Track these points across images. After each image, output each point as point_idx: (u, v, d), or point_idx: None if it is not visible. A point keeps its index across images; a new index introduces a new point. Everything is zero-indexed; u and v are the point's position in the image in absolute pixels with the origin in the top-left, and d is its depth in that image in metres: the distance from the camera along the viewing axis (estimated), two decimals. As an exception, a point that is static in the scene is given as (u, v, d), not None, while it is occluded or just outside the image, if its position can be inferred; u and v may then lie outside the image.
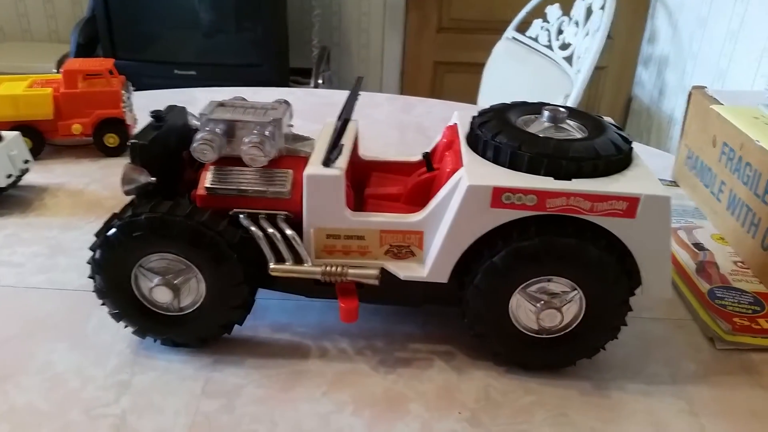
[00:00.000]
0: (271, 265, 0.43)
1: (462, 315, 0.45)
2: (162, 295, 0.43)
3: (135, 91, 0.80)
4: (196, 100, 0.91)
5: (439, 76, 2.34)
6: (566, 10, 1.42)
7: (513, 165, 0.41)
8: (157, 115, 0.45)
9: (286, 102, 0.47)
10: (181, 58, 1.94)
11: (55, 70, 1.87)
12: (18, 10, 2.24)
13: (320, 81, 2.03)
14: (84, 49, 1.94)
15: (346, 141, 0.46)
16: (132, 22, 1.91)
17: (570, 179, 0.40)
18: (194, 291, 0.44)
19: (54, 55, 2.01)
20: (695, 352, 0.48)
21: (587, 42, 1.28)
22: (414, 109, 0.97)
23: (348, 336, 0.48)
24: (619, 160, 0.42)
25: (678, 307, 0.53)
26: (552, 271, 0.42)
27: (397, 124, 0.90)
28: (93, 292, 0.44)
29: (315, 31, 2.16)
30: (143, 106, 0.57)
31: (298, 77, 2.08)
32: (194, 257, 0.43)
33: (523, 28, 1.52)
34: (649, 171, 0.42)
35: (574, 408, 0.43)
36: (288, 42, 2.04)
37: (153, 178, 0.43)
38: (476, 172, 0.41)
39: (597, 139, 0.42)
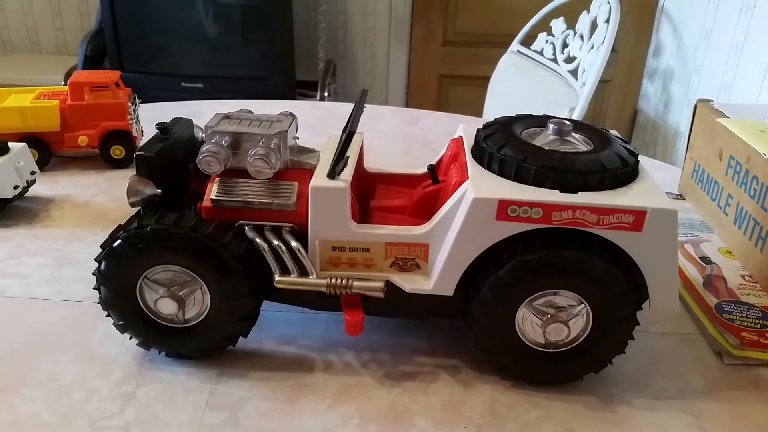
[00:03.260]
0: (276, 277, 0.43)
1: (468, 328, 0.44)
2: (167, 307, 0.43)
3: (142, 103, 0.81)
4: (202, 113, 0.92)
5: (445, 89, 2.35)
6: (571, 23, 1.43)
7: (518, 178, 0.41)
8: (162, 127, 0.46)
9: (291, 114, 0.47)
10: (187, 70, 1.96)
11: (63, 83, 1.88)
12: (27, 23, 2.26)
13: (326, 94, 2.04)
14: (91, 62, 1.96)
15: (351, 153, 0.46)
16: (139, 35, 1.93)
17: (576, 192, 0.40)
18: (199, 303, 0.44)
19: (62, 68, 2.02)
20: (703, 366, 0.48)
21: (592, 55, 1.28)
22: (419, 121, 0.97)
23: (353, 349, 0.48)
24: (626, 173, 0.42)
25: (685, 322, 0.53)
26: (558, 284, 0.42)
27: (403, 137, 0.90)
28: (98, 303, 0.44)
29: (321, 45, 2.18)
30: (150, 119, 0.57)
31: (305, 90, 2.09)
32: (199, 269, 0.43)
33: (528, 41, 1.53)
34: (655, 184, 0.42)
35: (580, 423, 0.42)
36: (294, 55, 2.05)
37: (159, 190, 0.43)
38: (482, 185, 0.41)
39: (603, 152, 0.42)
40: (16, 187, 0.64)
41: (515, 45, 1.54)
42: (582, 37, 1.37)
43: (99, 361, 0.46)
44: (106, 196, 0.70)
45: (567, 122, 0.45)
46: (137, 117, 0.78)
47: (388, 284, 0.44)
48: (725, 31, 1.67)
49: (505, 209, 0.40)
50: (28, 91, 0.76)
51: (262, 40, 1.95)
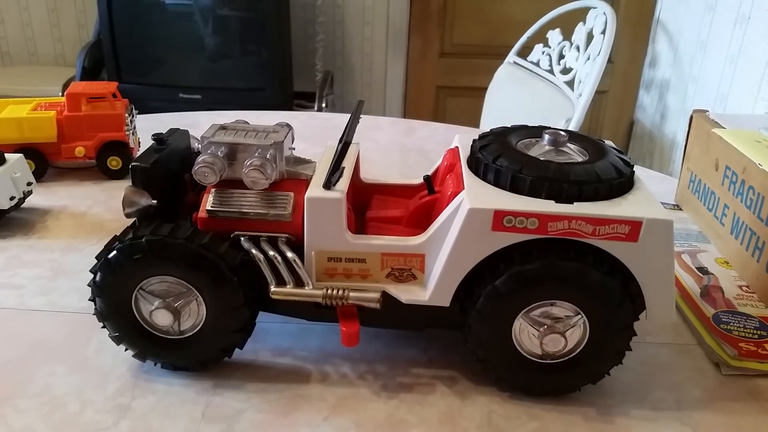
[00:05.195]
0: (272, 288, 0.43)
1: (464, 339, 0.44)
2: (162, 318, 0.43)
3: (140, 114, 0.81)
4: (199, 124, 0.92)
5: (442, 100, 2.35)
6: (567, 35, 1.44)
7: (514, 188, 0.41)
8: (158, 138, 0.46)
9: (287, 125, 0.47)
10: (185, 81, 1.96)
11: (61, 94, 1.88)
12: (25, 34, 2.27)
13: (324, 105, 2.04)
14: (89, 73, 1.96)
15: (347, 164, 0.46)
16: (137, 46, 1.93)
17: (572, 202, 0.40)
18: (195, 314, 0.44)
19: (60, 79, 2.03)
20: (701, 377, 0.48)
21: (588, 66, 1.29)
22: (416, 132, 0.97)
23: (349, 360, 0.48)
24: (621, 184, 0.42)
25: (683, 332, 0.53)
26: (555, 295, 0.41)
27: (400, 147, 0.91)
28: (93, 314, 0.44)
29: (318, 56, 2.18)
30: (147, 130, 0.57)
31: (302, 101, 2.09)
32: (195, 280, 0.43)
33: (524, 52, 1.53)
34: (650, 194, 0.42)
35: (578, 434, 0.42)
36: (292, 66, 2.05)
37: (154, 201, 0.43)
38: (477, 195, 0.41)
39: (598, 162, 0.42)
40: (12, 198, 0.64)
41: (512, 56, 1.54)
42: (578, 48, 1.37)
43: (94, 373, 0.46)
44: (103, 207, 0.70)
45: (562, 133, 0.45)
46: (134, 128, 0.78)
47: (385, 295, 0.43)
48: (720, 42, 1.68)
49: (500, 220, 0.40)
50: (25, 102, 0.76)
51: (260, 51, 1.96)
